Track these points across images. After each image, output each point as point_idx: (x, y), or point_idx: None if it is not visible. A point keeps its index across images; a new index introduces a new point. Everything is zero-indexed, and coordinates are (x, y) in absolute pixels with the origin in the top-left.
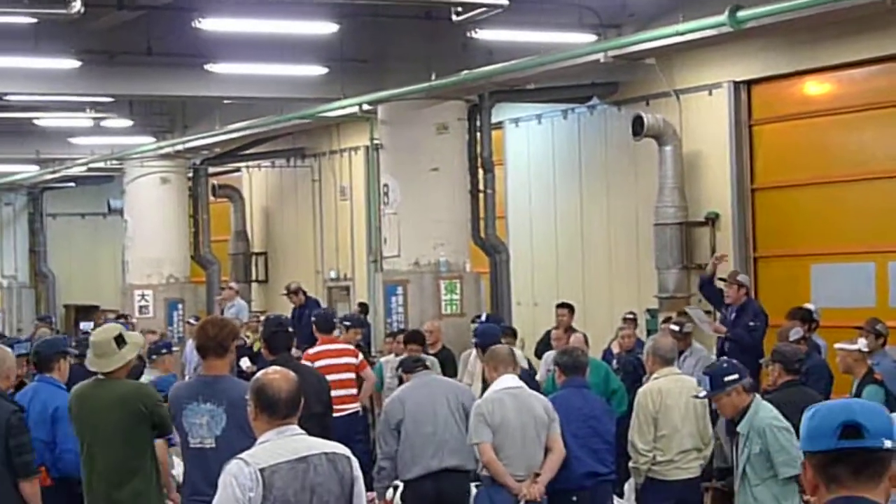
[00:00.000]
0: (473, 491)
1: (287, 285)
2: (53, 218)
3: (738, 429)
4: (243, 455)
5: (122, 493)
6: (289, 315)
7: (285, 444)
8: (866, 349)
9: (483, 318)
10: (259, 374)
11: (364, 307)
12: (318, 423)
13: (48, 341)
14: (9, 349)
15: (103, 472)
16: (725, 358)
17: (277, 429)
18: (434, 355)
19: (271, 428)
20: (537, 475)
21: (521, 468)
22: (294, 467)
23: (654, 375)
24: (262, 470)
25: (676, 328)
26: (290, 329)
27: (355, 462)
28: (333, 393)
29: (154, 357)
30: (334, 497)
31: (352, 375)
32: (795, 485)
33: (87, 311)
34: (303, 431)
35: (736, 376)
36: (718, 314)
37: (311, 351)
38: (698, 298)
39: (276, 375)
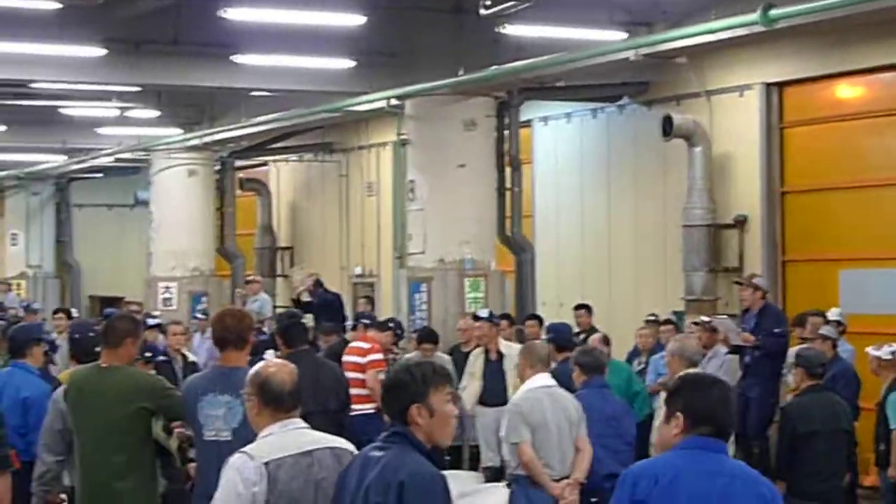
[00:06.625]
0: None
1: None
2: (80, 208)
3: None
4: (247, 449)
5: (122, 485)
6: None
7: (290, 437)
8: (890, 356)
9: (484, 313)
10: (258, 367)
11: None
12: (334, 421)
13: (24, 327)
14: None
15: (101, 463)
16: None
17: (281, 422)
18: (468, 353)
19: (275, 421)
20: (578, 481)
21: (557, 468)
22: (298, 461)
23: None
24: (266, 464)
25: (707, 319)
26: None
27: None
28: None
29: None
30: None
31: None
32: None
33: (112, 303)
34: (306, 425)
35: None
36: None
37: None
38: (725, 302)
39: (277, 368)
